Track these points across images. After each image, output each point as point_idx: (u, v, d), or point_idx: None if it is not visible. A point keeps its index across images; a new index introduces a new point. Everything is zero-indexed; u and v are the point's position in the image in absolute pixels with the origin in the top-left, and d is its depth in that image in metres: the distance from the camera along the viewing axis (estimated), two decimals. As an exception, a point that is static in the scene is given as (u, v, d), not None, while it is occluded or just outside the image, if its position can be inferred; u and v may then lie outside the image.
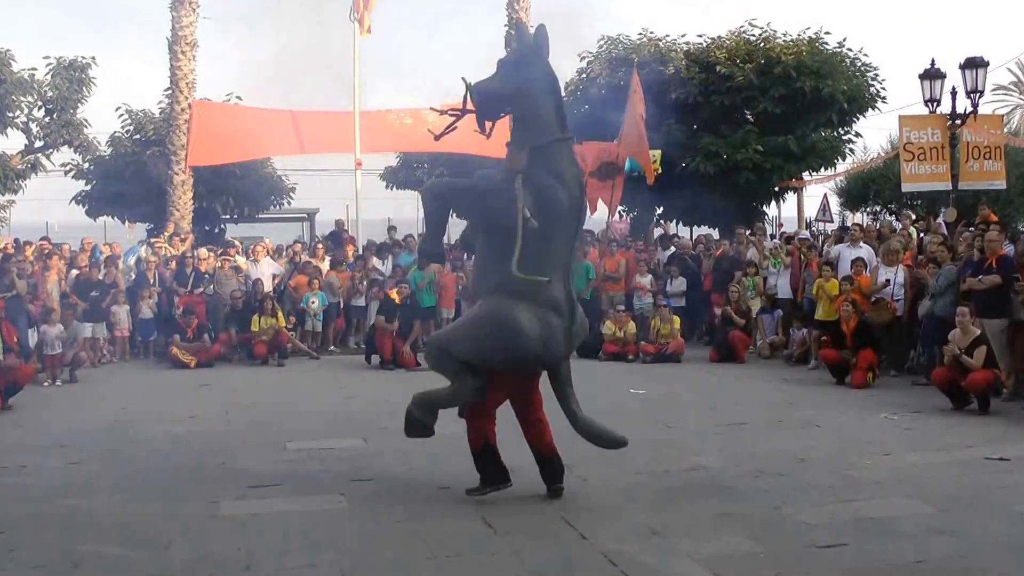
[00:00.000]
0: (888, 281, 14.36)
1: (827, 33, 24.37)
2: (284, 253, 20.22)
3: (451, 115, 7.97)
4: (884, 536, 6.79)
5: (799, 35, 24.29)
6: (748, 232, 19.19)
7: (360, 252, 19.88)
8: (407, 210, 41.17)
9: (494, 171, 7.99)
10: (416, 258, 18.64)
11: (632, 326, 17.02)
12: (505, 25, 23.95)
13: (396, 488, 8.26)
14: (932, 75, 19.41)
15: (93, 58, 25.13)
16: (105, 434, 10.91)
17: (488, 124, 7.96)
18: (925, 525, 7.04)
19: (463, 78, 7.78)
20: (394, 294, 16.72)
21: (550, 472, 7.88)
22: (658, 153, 21.41)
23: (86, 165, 25.39)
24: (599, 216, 22.77)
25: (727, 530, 6.98)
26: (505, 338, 7.45)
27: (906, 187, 20.73)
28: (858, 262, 15.02)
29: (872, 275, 14.71)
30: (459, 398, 7.83)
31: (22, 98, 24.69)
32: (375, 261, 19.14)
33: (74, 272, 17.41)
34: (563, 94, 7.81)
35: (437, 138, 8.25)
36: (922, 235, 17.19)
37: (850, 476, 8.47)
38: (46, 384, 14.39)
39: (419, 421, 8.00)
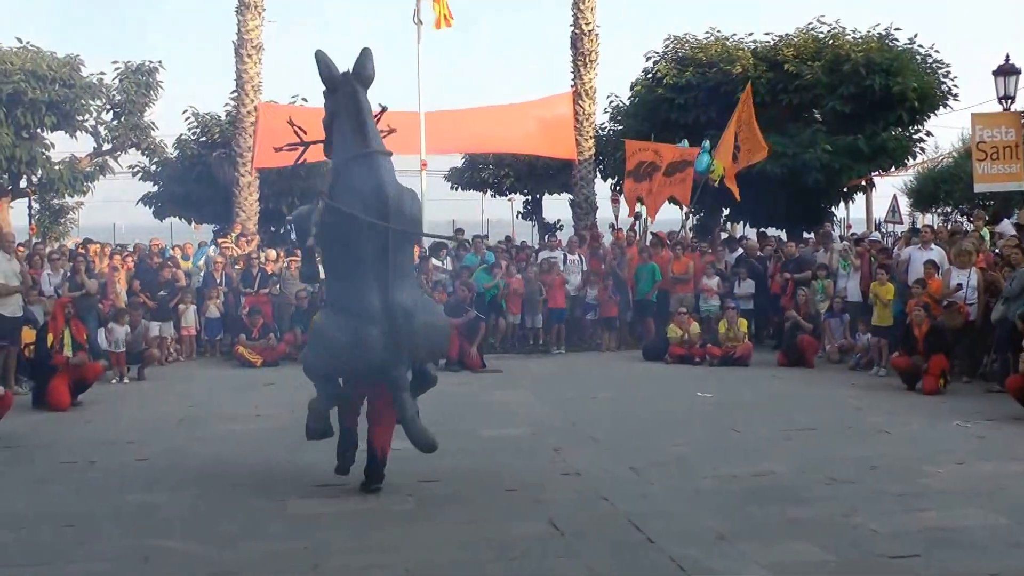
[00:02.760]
0: (960, 285, 13.96)
1: (897, 29, 23.86)
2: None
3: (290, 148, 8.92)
4: (957, 547, 6.62)
5: (868, 32, 23.81)
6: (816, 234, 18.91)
7: (425, 254, 19.94)
8: (472, 211, 41.42)
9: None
10: (480, 260, 18.67)
11: (696, 327, 16.84)
12: (570, 25, 23.84)
13: (462, 489, 8.28)
14: (1006, 71, 18.99)
15: (160, 62, 25.61)
16: (173, 431, 11.11)
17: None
18: (1000, 537, 6.84)
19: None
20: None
21: (371, 472, 8.24)
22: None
23: (153, 167, 25.84)
24: (666, 218, 22.66)
25: (795, 537, 6.87)
26: (322, 347, 8.01)
27: (978, 187, 20.22)
28: (929, 265, 14.66)
29: (944, 278, 14.33)
30: (317, 402, 8.35)
31: (91, 102, 25.25)
32: (433, 261, 19.14)
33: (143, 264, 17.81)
34: (371, 110, 8.38)
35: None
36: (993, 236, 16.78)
37: (922, 485, 8.29)
38: (114, 381, 14.66)
39: (312, 428, 8.50)
